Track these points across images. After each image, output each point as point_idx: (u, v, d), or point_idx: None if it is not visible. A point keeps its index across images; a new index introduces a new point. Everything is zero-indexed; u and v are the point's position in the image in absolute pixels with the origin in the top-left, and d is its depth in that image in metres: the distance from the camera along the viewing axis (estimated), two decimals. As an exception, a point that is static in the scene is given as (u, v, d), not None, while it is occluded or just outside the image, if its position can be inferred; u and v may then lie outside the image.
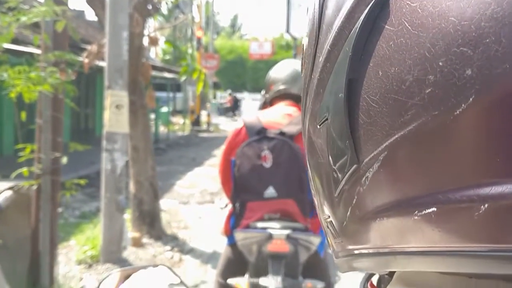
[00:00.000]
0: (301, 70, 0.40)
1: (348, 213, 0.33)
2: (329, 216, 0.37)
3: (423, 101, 0.26)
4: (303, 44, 0.39)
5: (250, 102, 28.88)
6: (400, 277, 0.35)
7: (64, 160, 3.14)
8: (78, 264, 4.15)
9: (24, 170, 2.95)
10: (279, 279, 1.88)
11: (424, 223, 0.27)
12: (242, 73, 37.78)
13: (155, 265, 0.94)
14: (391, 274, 0.41)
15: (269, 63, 26.87)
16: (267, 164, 2.06)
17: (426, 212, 0.27)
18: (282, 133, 2.11)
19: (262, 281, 1.91)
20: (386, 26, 0.29)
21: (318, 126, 0.35)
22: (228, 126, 19.90)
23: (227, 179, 2.25)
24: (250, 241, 2.00)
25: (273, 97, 2.34)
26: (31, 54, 3.25)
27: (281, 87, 2.30)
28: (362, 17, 0.30)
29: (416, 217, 0.28)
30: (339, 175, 0.33)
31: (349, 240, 0.36)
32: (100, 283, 0.87)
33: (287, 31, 15.76)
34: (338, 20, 0.32)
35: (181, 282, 0.89)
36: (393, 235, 0.30)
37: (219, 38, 41.20)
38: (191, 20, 19.81)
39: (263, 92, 2.42)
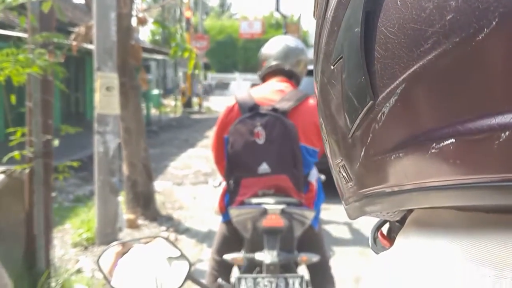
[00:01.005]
0: (313, 14, 0.39)
1: (362, 153, 0.33)
2: (341, 160, 0.37)
3: (444, 28, 0.26)
4: None
5: (241, 82, 28.74)
6: (414, 219, 0.35)
7: (56, 142, 3.12)
8: (73, 247, 4.17)
9: (16, 153, 2.94)
10: (274, 253, 1.89)
11: (441, 156, 0.27)
12: (232, 53, 37.52)
13: (154, 237, 0.95)
14: (402, 221, 0.40)
15: (259, 42, 26.66)
16: (260, 140, 2.06)
17: (444, 144, 0.27)
18: (274, 109, 2.10)
19: (258, 255, 1.92)
20: None
21: (332, 67, 0.34)
22: (220, 107, 19.84)
23: (220, 156, 2.25)
24: (245, 217, 2.02)
25: (265, 73, 2.33)
26: (18, 38, 3.20)
27: (273, 63, 2.29)
28: None
29: (433, 150, 0.27)
30: (354, 114, 0.32)
31: (362, 182, 0.35)
32: (100, 257, 0.88)
33: (277, 9, 15.64)
34: None
35: (181, 255, 0.90)
36: (409, 171, 0.29)
37: (208, 19, 40.79)
38: (180, 0, 19.58)
39: (259, 72, 2.41)
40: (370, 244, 0.45)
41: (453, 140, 0.26)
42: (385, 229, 0.46)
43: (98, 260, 0.88)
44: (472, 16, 0.25)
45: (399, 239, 0.34)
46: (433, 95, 0.27)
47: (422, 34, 0.27)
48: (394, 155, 0.30)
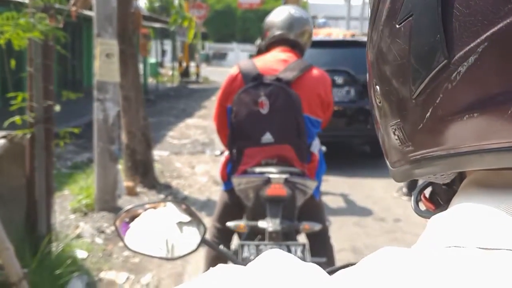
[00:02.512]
0: None
1: (428, 113, 0.32)
2: (398, 121, 0.36)
3: None
4: None
5: (238, 53, 28.50)
6: (474, 180, 0.34)
7: (57, 108, 3.11)
8: (73, 213, 4.20)
9: (17, 118, 2.93)
10: (277, 221, 1.92)
11: None
12: (231, 24, 37.08)
13: (164, 201, 0.96)
14: (450, 184, 0.40)
15: (258, 12, 26.36)
16: (264, 110, 2.07)
17: None
18: (278, 79, 2.10)
19: (260, 223, 1.95)
20: None
21: (398, 26, 0.33)
22: (217, 77, 19.73)
23: (223, 126, 2.26)
24: (247, 186, 2.03)
25: (269, 43, 2.32)
26: (19, 3, 3.16)
27: (277, 32, 2.28)
28: None
29: None
30: (423, 74, 0.32)
31: (422, 144, 0.34)
32: (116, 219, 0.89)
33: (277, -21, 15.37)
34: None
35: (196, 219, 0.91)
36: (482, 132, 0.29)
37: (207, -13, 40.14)
38: (178, -33, 19.23)
39: (257, 41, 2.40)
40: (413, 207, 0.45)
41: None
42: (426, 192, 0.46)
43: (115, 223, 0.90)
44: None
45: (459, 202, 0.33)
46: None
47: None
48: (466, 116, 0.30)
